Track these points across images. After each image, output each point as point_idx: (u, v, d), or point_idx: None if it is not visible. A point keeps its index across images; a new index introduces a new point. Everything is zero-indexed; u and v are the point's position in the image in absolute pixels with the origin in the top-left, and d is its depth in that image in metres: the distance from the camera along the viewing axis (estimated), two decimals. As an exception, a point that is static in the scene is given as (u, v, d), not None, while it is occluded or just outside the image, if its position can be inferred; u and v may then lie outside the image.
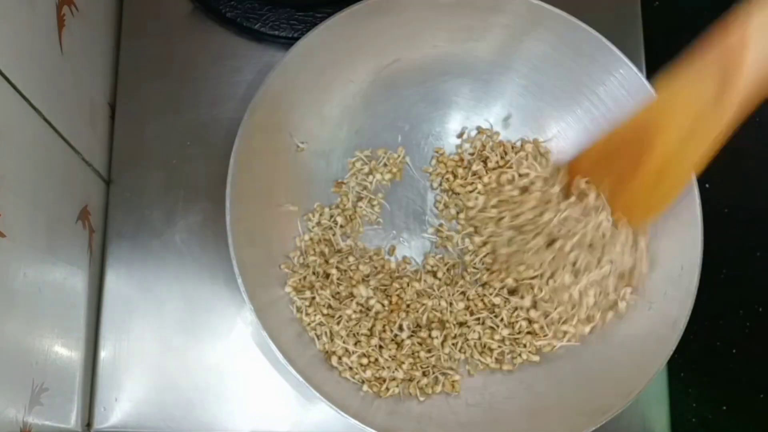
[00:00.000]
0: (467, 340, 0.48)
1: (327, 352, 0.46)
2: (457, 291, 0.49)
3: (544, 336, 0.47)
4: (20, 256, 0.39)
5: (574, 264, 0.46)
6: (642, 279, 0.46)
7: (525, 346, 0.48)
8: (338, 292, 0.48)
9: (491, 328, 0.48)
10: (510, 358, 0.48)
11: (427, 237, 0.51)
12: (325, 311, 0.47)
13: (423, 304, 0.48)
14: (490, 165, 0.52)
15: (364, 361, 0.46)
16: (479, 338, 0.48)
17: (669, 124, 0.38)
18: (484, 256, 0.50)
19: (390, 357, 0.46)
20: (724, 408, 0.49)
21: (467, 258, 0.50)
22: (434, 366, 0.47)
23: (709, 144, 0.36)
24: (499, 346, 0.48)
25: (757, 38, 0.29)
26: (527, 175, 0.49)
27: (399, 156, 0.52)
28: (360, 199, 0.51)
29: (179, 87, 0.55)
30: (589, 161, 0.47)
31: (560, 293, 0.46)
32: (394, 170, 0.52)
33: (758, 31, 0.29)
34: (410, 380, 0.47)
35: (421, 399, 0.46)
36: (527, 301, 0.47)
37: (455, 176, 0.52)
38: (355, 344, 0.46)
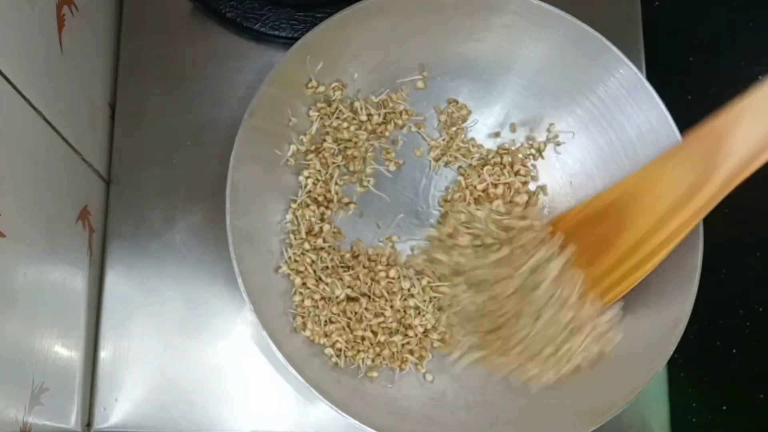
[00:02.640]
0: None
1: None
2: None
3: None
4: (20, 256, 0.39)
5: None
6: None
7: None
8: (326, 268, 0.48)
9: None
10: None
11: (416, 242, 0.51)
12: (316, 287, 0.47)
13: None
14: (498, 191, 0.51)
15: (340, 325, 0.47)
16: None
17: (649, 204, 0.38)
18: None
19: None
20: (724, 408, 0.49)
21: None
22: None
23: (682, 232, 0.37)
24: None
25: (741, 135, 0.30)
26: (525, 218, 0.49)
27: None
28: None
29: (179, 87, 0.55)
30: (571, 221, 0.47)
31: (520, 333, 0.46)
32: (393, 168, 0.52)
33: (742, 126, 0.30)
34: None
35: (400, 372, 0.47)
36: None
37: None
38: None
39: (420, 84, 0.52)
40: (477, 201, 0.51)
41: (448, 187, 0.52)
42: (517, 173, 0.52)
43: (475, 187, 0.51)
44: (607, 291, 0.44)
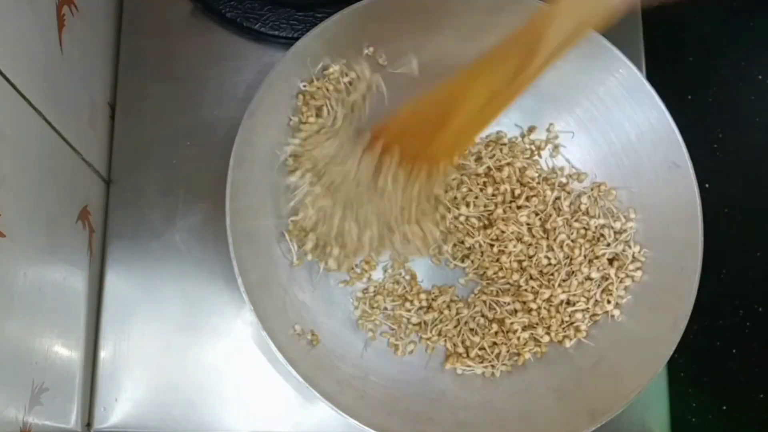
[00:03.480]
0: None
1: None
2: None
3: None
4: (20, 256, 0.39)
5: None
6: None
7: None
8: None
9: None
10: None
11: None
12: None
13: None
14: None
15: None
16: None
17: (480, 86, 0.43)
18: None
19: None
20: (724, 408, 0.49)
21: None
22: None
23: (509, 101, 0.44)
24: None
25: (553, 31, 0.39)
26: None
27: None
28: None
29: (179, 87, 0.54)
30: (396, 123, 0.47)
31: None
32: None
33: (554, 25, 0.39)
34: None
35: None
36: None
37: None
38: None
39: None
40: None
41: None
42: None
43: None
44: (450, 153, 0.48)
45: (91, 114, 0.51)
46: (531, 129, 0.53)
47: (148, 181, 0.53)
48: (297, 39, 0.47)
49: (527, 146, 0.53)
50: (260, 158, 0.48)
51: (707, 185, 0.46)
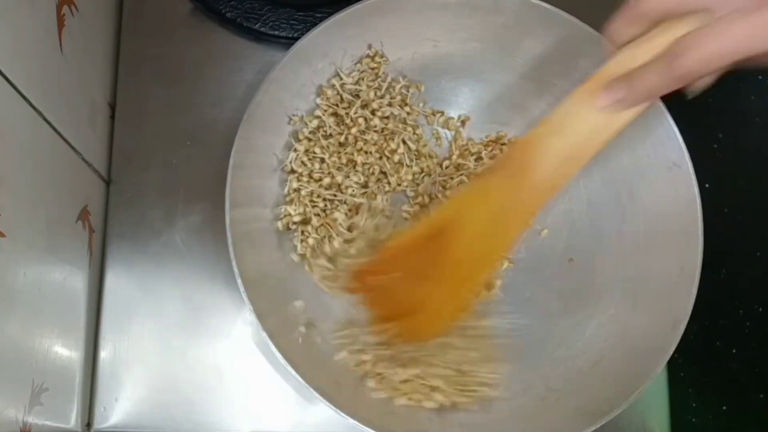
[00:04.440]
0: None
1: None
2: None
3: None
4: (20, 256, 0.39)
5: None
6: None
7: None
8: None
9: None
10: None
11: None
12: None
13: None
14: None
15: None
16: None
17: (475, 217, 0.41)
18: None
19: None
20: (724, 408, 0.49)
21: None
22: None
23: (494, 254, 0.42)
24: None
25: (540, 159, 0.37)
26: None
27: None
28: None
29: (179, 87, 0.55)
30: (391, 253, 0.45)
31: None
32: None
33: (540, 153, 0.37)
34: None
35: None
36: None
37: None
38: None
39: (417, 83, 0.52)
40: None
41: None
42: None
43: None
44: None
45: (91, 114, 0.51)
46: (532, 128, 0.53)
47: (148, 181, 0.53)
48: (297, 39, 0.47)
49: None
50: (260, 158, 0.48)
51: (707, 185, 0.46)
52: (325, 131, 0.50)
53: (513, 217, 0.40)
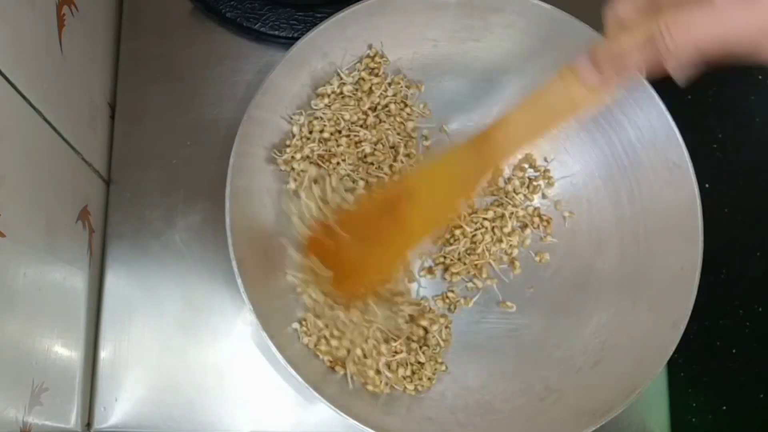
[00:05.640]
0: None
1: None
2: None
3: None
4: (20, 256, 0.39)
5: None
6: None
7: None
8: None
9: None
10: None
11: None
12: None
13: None
14: None
15: None
16: None
17: (437, 189, 0.43)
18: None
19: None
20: (724, 408, 0.49)
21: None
22: None
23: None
24: None
25: (506, 141, 0.41)
26: None
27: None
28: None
29: (179, 87, 0.55)
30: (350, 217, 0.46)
31: None
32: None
33: (507, 135, 0.41)
34: None
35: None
36: None
37: None
38: None
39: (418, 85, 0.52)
40: None
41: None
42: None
43: None
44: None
45: (91, 114, 0.51)
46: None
47: (148, 181, 0.53)
48: (297, 39, 0.47)
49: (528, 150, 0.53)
50: (260, 158, 0.48)
51: (707, 185, 0.46)
52: (325, 131, 0.50)
53: (466, 181, 0.43)
